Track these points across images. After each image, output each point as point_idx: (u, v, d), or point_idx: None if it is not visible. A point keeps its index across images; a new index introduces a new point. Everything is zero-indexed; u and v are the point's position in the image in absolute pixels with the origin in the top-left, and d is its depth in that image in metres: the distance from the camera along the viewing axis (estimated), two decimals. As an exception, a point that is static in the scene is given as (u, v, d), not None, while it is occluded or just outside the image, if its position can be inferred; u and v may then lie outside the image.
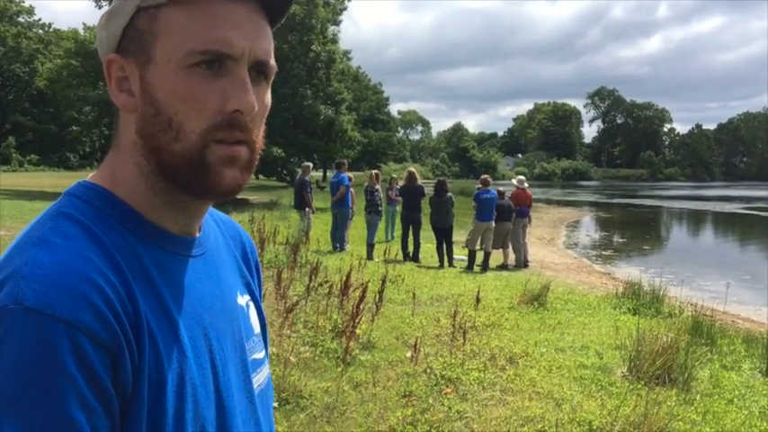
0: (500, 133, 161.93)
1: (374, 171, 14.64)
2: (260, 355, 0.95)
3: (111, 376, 0.68)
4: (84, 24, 30.99)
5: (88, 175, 0.84)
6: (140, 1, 0.76)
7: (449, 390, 5.00)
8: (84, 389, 0.66)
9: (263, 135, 0.83)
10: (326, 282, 6.96)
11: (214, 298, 0.86)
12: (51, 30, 64.49)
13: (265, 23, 0.80)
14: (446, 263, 12.39)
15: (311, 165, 15.05)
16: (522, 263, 13.26)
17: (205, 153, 0.76)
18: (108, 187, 0.81)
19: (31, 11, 65.58)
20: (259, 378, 0.94)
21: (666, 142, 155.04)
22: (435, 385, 5.09)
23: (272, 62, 0.81)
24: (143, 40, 0.77)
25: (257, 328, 0.96)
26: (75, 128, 36.29)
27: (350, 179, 13.81)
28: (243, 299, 0.94)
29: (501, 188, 13.70)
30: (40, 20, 66.84)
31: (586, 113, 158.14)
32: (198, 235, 0.88)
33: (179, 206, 0.83)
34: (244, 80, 0.76)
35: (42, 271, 0.68)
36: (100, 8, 26.54)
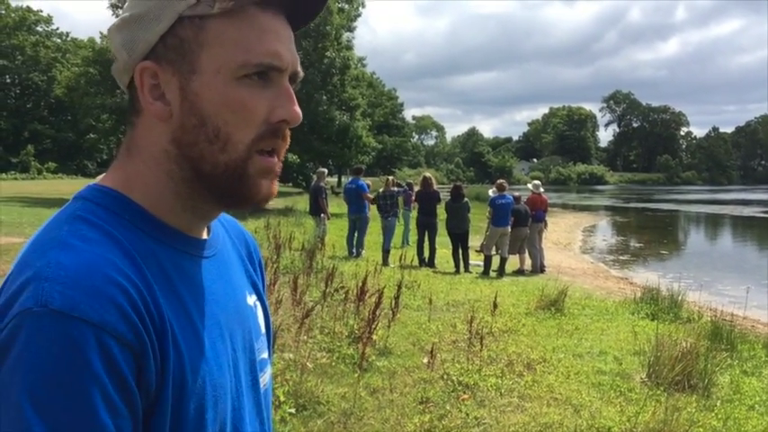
0: (515, 138, 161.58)
1: (389, 177, 14.64)
2: (265, 355, 0.96)
3: (136, 378, 0.69)
4: (101, 33, 31.35)
5: (97, 179, 0.84)
6: (184, 9, 0.75)
7: (466, 396, 4.98)
8: (110, 391, 0.66)
9: None
10: (342, 287, 6.97)
11: (228, 299, 0.87)
12: (69, 39, 65.25)
13: (293, 34, 0.83)
14: (462, 268, 12.35)
15: (326, 171, 15.07)
16: (538, 268, 13.19)
17: (248, 164, 0.78)
18: (122, 191, 0.80)
19: (49, 20, 66.37)
20: (264, 378, 0.94)
21: (683, 146, 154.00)
22: (452, 391, 5.07)
23: (302, 71, 0.84)
24: (186, 48, 0.76)
25: (263, 329, 0.97)
26: (92, 135, 36.65)
27: (368, 185, 13.85)
28: (251, 299, 0.95)
29: (517, 193, 13.65)
30: (57, 29, 67.79)
31: (602, 117, 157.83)
32: (208, 237, 0.88)
33: (200, 211, 0.83)
34: (289, 91, 0.80)
35: (66, 273, 0.68)
36: (117, 17, 26.76)
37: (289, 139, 0.82)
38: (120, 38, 0.79)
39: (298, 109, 0.79)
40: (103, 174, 0.85)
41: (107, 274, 0.69)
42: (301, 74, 0.83)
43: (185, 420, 0.74)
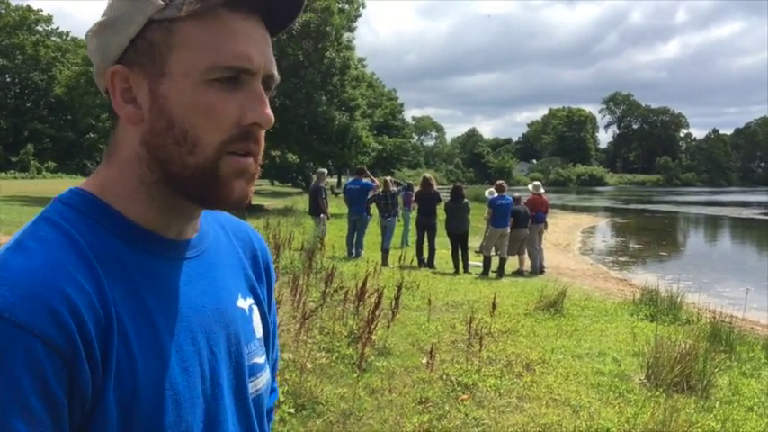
0: (515, 139, 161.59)
1: (388, 177, 14.64)
2: (260, 359, 0.94)
3: (66, 383, 0.68)
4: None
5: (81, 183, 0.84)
6: (153, 13, 0.75)
7: (465, 396, 4.98)
8: (29, 395, 0.65)
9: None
10: (342, 288, 6.97)
11: (207, 301, 0.85)
12: (69, 38, 65.23)
13: (269, 36, 0.82)
14: (461, 269, 12.35)
15: (326, 171, 15.08)
16: (537, 269, 13.19)
17: (218, 165, 0.77)
18: (96, 193, 0.81)
19: (49, 19, 66.36)
20: (258, 383, 0.92)
21: (683, 147, 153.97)
22: (451, 392, 5.07)
23: (277, 74, 0.83)
24: (155, 52, 0.76)
25: (259, 333, 0.95)
26: (92, 135, 36.61)
27: (375, 184, 13.89)
28: (245, 302, 0.93)
29: (516, 194, 13.65)
30: (57, 28, 67.75)
31: (602, 119, 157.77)
32: (193, 237, 0.87)
33: (177, 212, 0.83)
34: (261, 94, 0.78)
35: (10, 275, 0.68)
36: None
37: (263, 142, 0.82)
38: (96, 42, 0.80)
39: (269, 111, 0.79)
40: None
41: (48, 278, 0.69)
42: (277, 76, 0.82)
43: (137, 424, 0.73)
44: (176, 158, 0.77)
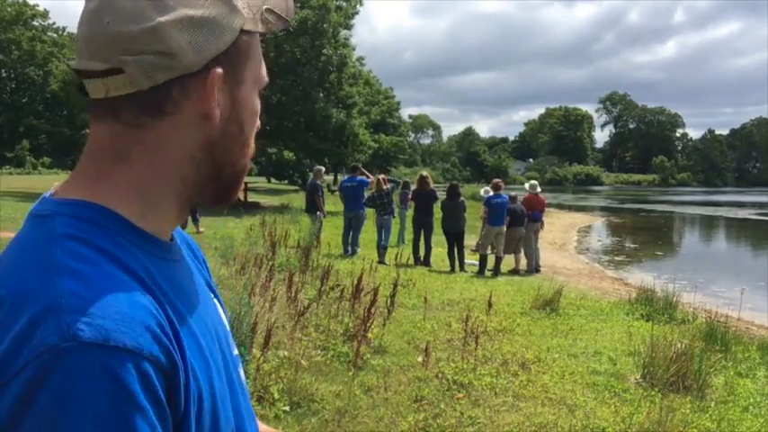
0: (511, 138, 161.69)
1: (380, 176, 14.63)
2: (236, 351, 0.95)
3: (167, 399, 0.67)
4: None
5: (55, 191, 0.79)
6: (246, 24, 0.78)
7: (461, 395, 4.98)
8: (154, 419, 0.64)
9: None
10: (338, 285, 6.97)
11: (200, 298, 0.85)
12: (65, 33, 65.03)
13: None
14: (457, 267, 12.36)
15: (323, 169, 15.06)
16: (533, 268, 13.20)
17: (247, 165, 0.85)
18: (103, 203, 0.75)
19: (45, 15, 66.11)
20: (241, 373, 0.93)
21: (679, 147, 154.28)
22: (447, 390, 5.07)
23: None
24: (238, 60, 0.79)
25: (227, 325, 0.95)
26: (88, 131, 36.46)
27: (369, 180, 13.88)
28: (212, 297, 0.93)
29: (513, 193, 13.66)
30: (54, 23, 67.49)
31: (598, 118, 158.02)
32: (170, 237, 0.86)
33: (185, 213, 0.84)
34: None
35: (86, 302, 0.63)
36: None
37: None
38: (188, 37, 0.74)
39: None
40: (59, 184, 0.79)
41: (127, 296, 0.66)
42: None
43: (204, 431, 0.74)
44: (235, 161, 0.82)
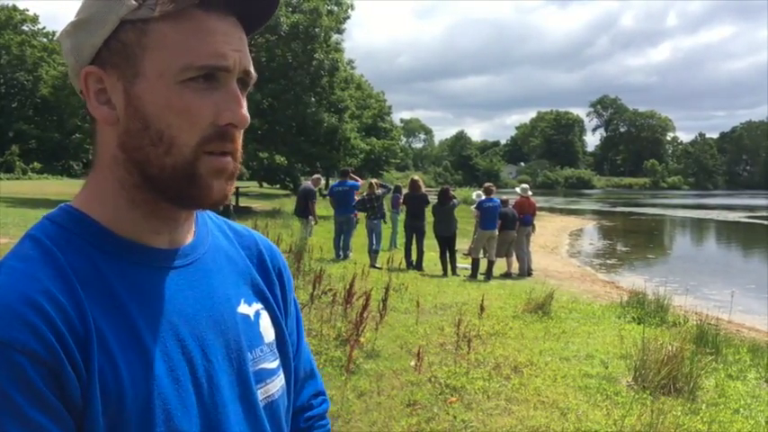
0: (503, 141, 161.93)
1: (373, 180, 14.63)
2: (270, 365, 0.91)
3: (57, 391, 0.69)
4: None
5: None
6: (126, 13, 0.75)
7: (453, 399, 4.98)
8: (23, 405, 0.66)
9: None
10: (330, 290, 6.96)
11: (199, 308, 0.84)
12: (55, 38, 64.72)
13: (244, 35, 0.82)
14: (449, 271, 12.36)
15: (321, 177, 15.08)
16: (525, 271, 13.23)
17: (196, 165, 0.78)
18: (83, 208, 0.81)
19: (35, 19, 65.83)
20: (268, 389, 0.90)
21: (669, 151, 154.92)
22: (440, 394, 5.07)
23: (254, 72, 0.83)
24: (128, 52, 0.76)
25: (268, 338, 0.92)
26: (78, 136, 36.39)
27: (359, 183, 13.89)
28: (249, 308, 0.91)
29: (504, 197, 13.69)
30: (44, 28, 67.10)
31: (589, 122, 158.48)
32: (186, 244, 0.86)
33: (160, 216, 0.82)
34: (236, 94, 0.79)
35: None
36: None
37: (240, 142, 0.82)
38: (69, 43, 0.79)
39: (245, 112, 0.79)
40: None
41: (25, 294, 0.70)
42: (254, 73, 0.82)
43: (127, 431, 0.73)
44: (153, 159, 0.77)
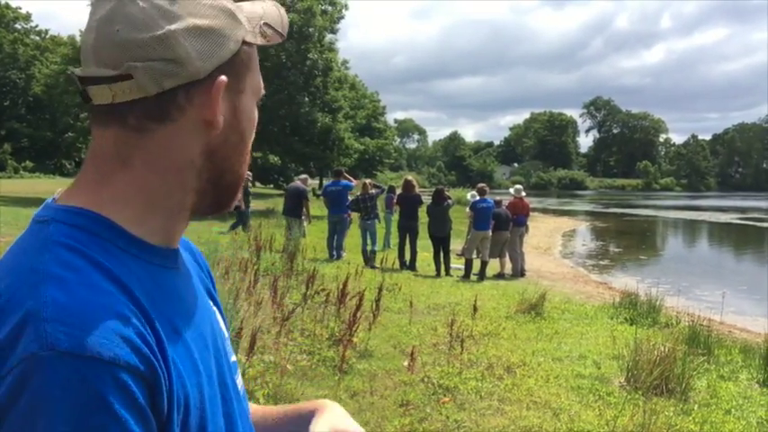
0: (497, 142, 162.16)
1: (366, 180, 14.61)
2: (234, 357, 0.96)
3: (151, 407, 0.68)
4: (80, 31, 31.01)
5: (59, 195, 0.80)
6: (247, 36, 0.81)
7: (446, 399, 4.98)
8: (133, 427, 0.65)
9: None
10: (323, 290, 6.95)
11: (199, 307, 0.87)
12: (48, 36, 64.49)
13: None
14: (443, 271, 12.37)
15: (307, 177, 15.05)
16: (518, 272, 13.25)
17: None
18: (100, 211, 0.76)
19: (28, 17, 65.56)
20: (239, 380, 0.94)
21: (662, 152, 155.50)
22: (433, 394, 5.07)
23: None
24: (240, 70, 0.82)
25: (226, 332, 0.96)
26: (70, 134, 36.27)
27: (353, 183, 13.88)
28: (212, 305, 0.95)
29: (498, 197, 13.71)
30: (36, 26, 66.86)
31: (582, 123, 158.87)
32: (177, 248, 0.87)
33: (185, 222, 0.84)
34: None
35: (66, 311, 0.65)
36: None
37: None
38: (195, 45, 0.76)
39: None
40: (63, 190, 0.81)
41: (108, 307, 0.67)
42: None
43: None
44: (236, 169, 0.84)
